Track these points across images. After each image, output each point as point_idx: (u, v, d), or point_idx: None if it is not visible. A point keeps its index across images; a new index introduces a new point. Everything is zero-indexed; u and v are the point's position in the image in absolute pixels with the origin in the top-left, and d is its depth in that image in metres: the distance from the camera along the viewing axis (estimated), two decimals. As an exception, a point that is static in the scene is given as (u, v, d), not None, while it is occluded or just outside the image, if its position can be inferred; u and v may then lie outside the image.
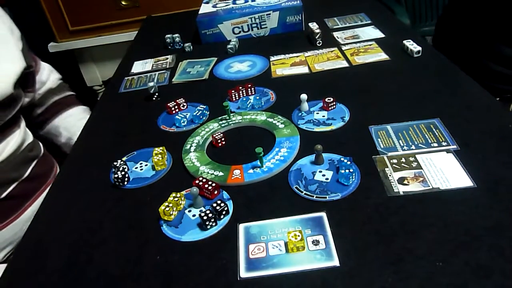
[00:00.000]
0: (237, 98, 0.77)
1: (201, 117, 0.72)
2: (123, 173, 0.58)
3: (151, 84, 0.82)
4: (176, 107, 0.76)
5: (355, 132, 0.62)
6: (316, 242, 0.45)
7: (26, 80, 0.86)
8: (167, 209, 0.50)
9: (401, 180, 0.51)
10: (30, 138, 0.87)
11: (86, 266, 0.47)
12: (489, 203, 0.46)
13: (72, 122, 0.99)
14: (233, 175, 0.57)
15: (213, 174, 0.58)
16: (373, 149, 0.58)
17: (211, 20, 1.03)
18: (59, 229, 0.53)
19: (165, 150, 0.63)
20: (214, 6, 1.10)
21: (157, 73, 0.94)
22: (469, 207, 0.46)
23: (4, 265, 0.54)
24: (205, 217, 0.48)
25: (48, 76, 0.99)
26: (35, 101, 0.96)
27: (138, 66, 1.00)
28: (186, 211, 0.52)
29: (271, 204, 0.51)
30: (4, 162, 0.78)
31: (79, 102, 1.05)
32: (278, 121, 0.67)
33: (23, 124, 0.86)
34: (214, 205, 0.50)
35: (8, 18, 0.87)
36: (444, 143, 0.56)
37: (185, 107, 0.77)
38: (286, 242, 0.45)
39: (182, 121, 0.71)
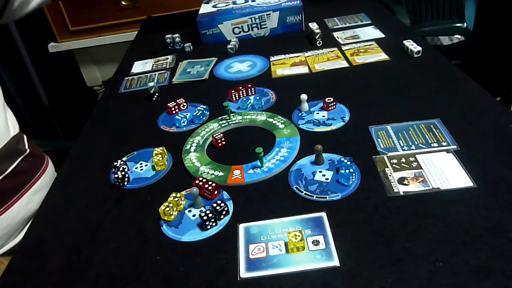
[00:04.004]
0: (237, 98, 0.77)
1: (201, 117, 0.72)
2: (123, 173, 0.58)
3: (151, 84, 0.82)
4: (176, 107, 0.76)
5: (355, 132, 0.62)
6: (316, 242, 0.45)
7: None
8: (167, 209, 0.50)
9: (401, 180, 0.51)
10: (16, 128, 0.81)
11: (86, 266, 0.47)
12: (489, 203, 0.46)
13: None
14: (233, 175, 0.57)
15: (213, 174, 0.58)
16: (373, 149, 0.58)
17: (211, 20, 1.03)
18: (59, 229, 0.53)
19: (165, 150, 0.63)
20: (214, 6, 1.10)
21: (157, 73, 0.94)
22: (469, 207, 0.46)
23: None
24: (205, 217, 0.48)
25: None
26: None
27: (138, 66, 1.00)
28: (186, 211, 0.52)
29: (271, 204, 0.51)
30: None
31: None
32: (278, 121, 0.67)
33: (1, 100, 0.79)
34: (214, 205, 0.50)
35: None
36: (444, 143, 0.56)
37: (185, 107, 0.77)
38: (286, 242, 0.45)
39: (182, 121, 0.71)
